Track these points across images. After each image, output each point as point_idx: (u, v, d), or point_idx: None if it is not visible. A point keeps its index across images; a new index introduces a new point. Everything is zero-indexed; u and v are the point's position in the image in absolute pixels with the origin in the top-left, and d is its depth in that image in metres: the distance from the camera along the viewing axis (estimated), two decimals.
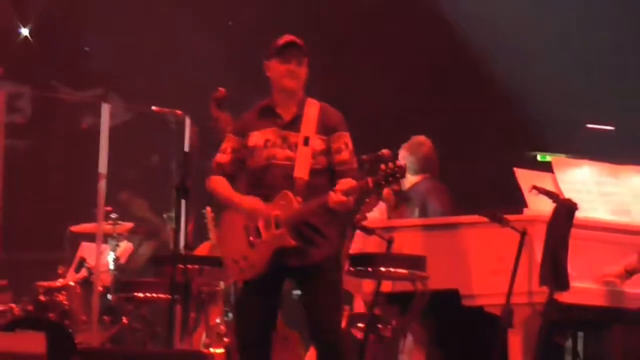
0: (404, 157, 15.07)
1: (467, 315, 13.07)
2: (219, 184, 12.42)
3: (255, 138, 12.31)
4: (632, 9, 17.57)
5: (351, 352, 13.03)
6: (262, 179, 12.29)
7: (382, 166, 12.39)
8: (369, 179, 12.14)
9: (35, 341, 11.87)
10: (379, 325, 13.52)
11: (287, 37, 12.55)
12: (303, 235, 12.25)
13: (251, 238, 12.25)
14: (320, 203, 12.05)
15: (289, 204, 12.09)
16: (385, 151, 13.68)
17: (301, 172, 12.18)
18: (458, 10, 19.82)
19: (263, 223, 12.24)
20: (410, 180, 14.59)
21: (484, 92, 18.67)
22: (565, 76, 16.78)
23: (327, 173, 12.30)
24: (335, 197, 11.91)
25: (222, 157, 12.44)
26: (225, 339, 13.69)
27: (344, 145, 12.32)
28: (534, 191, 12.69)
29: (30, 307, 14.20)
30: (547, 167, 13.29)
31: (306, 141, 12.26)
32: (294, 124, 12.33)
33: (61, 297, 14.46)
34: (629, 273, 12.39)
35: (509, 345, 12.64)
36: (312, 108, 12.39)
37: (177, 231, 13.52)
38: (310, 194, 12.17)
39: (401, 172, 12.27)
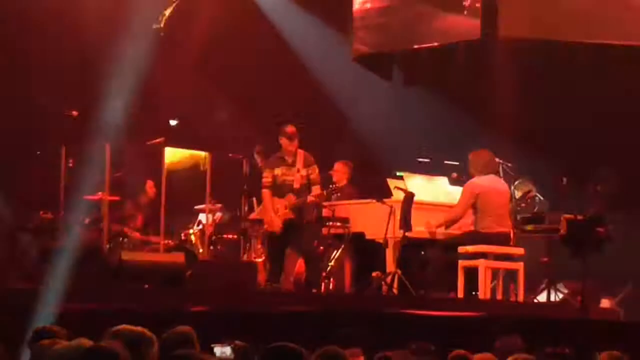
0: (343, 166, 14.12)
1: (368, 243, 12.93)
2: (267, 195, 12.80)
3: (277, 172, 12.77)
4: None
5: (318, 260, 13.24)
6: (280, 190, 12.75)
7: (330, 186, 13.07)
8: (324, 192, 12.81)
9: (179, 256, 12.30)
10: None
11: (290, 128, 12.88)
12: (300, 213, 12.78)
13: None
14: (305, 200, 12.66)
15: (291, 199, 12.66)
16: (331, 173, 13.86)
17: (297, 185, 12.75)
18: None
19: (282, 207, 12.76)
20: (343, 181, 13.92)
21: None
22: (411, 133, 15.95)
23: (307, 186, 12.78)
24: (310, 198, 12.63)
25: (267, 181, 12.79)
26: (263, 256, 13.53)
27: (313, 172, 12.82)
28: (396, 189, 12.67)
29: (177, 242, 14.23)
30: (401, 178, 12.95)
31: (298, 170, 12.78)
32: (293, 164, 12.79)
33: (190, 240, 14.40)
34: (442, 225, 12.50)
35: (387, 257, 12.54)
36: (299, 154, 12.86)
37: (241, 209, 13.92)
38: (300, 195, 12.70)
39: (340, 190, 13.17)
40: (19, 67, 15.73)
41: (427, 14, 15.26)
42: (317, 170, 13.00)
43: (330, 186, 13.25)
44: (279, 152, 13.06)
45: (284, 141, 12.93)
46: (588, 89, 15.47)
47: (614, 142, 15.22)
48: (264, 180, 12.97)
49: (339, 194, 13.54)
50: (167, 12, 14.46)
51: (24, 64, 15.78)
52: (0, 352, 4.62)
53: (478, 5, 14.50)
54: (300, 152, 12.98)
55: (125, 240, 13.90)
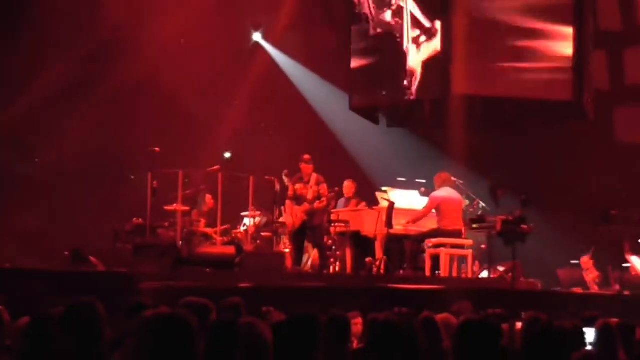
0: (350, 183, 13.57)
1: (363, 238, 12.77)
2: (288, 203, 12.66)
3: (297, 187, 12.62)
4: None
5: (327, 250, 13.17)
6: (299, 200, 12.54)
7: (331, 193, 12.97)
8: (326, 199, 12.72)
9: (230, 249, 12.25)
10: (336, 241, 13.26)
11: (306, 157, 12.80)
12: (311, 216, 12.66)
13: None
14: (317, 206, 12.53)
15: (306, 207, 12.47)
16: (337, 189, 13.49)
17: (310, 197, 12.56)
18: None
19: (301, 212, 12.61)
20: (350, 194, 13.55)
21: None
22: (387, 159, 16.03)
23: (318, 198, 12.55)
24: (317, 205, 12.51)
25: (289, 194, 12.69)
26: (289, 248, 13.28)
27: (322, 188, 12.60)
28: (382, 199, 12.64)
29: (229, 239, 13.94)
30: (385, 191, 12.90)
31: (311, 187, 12.62)
32: (308, 182, 12.60)
33: (239, 235, 14.23)
34: (411, 222, 12.45)
35: (376, 247, 12.48)
36: (313, 176, 12.70)
37: (273, 215, 13.75)
38: (312, 203, 12.52)
39: (337, 198, 13.04)
40: (120, 119, 15.86)
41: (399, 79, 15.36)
42: (325, 187, 12.86)
43: (331, 193, 13.21)
44: (299, 174, 12.95)
45: (302, 165, 12.84)
46: (516, 128, 15.56)
47: (534, 166, 15.34)
48: (288, 193, 12.89)
49: (342, 201, 13.37)
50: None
51: (123, 116, 15.91)
52: (106, 317, 4.62)
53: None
54: (314, 175, 12.85)
55: (193, 237, 13.76)
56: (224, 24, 16.70)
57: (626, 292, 12.44)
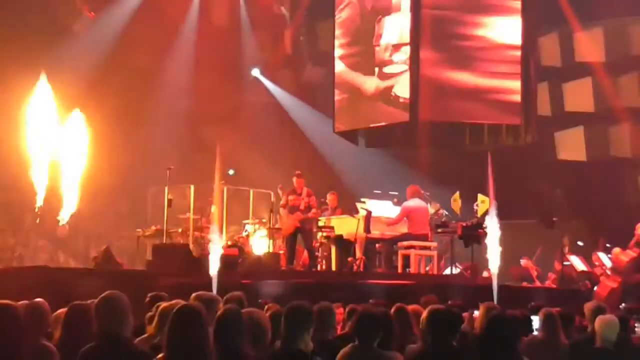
0: (333, 195, 13.31)
1: (345, 241, 12.51)
2: (283, 212, 12.42)
3: (290, 198, 12.37)
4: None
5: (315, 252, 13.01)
6: (292, 210, 12.33)
7: (323, 206, 12.80)
8: (319, 211, 12.55)
9: (234, 251, 12.04)
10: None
11: (298, 172, 12.55)
12: (304, 223, 12.54)
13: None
14: (311, 216, 12.37)
15: (299, 216, 12.25)
16: (324, 200, 13.24)
17: (302, 207, 12.31)
18: None
19: (296, 220, 12.45)
20: (334, 204, 13.33)
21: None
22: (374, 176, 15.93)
23: (309, 208, 12.36)
24: (311, 215, 12.30)
25: (283, 204, 12.41)
26: (283, 249, 12.88)
27: (312, 200, 12.38)
28: (361, 208, 12.37)
29: (233, 242, 13.39)
30: (364, 202, 12.57)
31: (303, 199, 12.44)
32: (300, 194, 12.41)
33: (241, 241, 13.61)
34: (387, 226, 12.30)
35: (356, 249, 12.19)
36: (305, 189, 12.49)
37: (270, 222, 13.47)
38: (305, 213, 12.34)
39: (328, 210, 12.83)
40: (142, 141, 15.78)
41: (376, 105, 15.31)
42: (314, 199, 12.70)
43: (323, 206, 13.18)
44: (292, 187, 12.78)
45: (296, 179, 12.67)
46: (473, 147, 15.61)
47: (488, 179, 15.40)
48: (281, 203, 12.72)
49: (327, 212, 13.28)
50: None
51: (145, 139, 15.81)
52: (130, 308, 4.65)
53: (406, 99, 14.55)
54: (306, 188, 12.68)
55: (203, 241, 13.57)
56: (229, 62, 16.77)
57: (554, 286, 12.47)
